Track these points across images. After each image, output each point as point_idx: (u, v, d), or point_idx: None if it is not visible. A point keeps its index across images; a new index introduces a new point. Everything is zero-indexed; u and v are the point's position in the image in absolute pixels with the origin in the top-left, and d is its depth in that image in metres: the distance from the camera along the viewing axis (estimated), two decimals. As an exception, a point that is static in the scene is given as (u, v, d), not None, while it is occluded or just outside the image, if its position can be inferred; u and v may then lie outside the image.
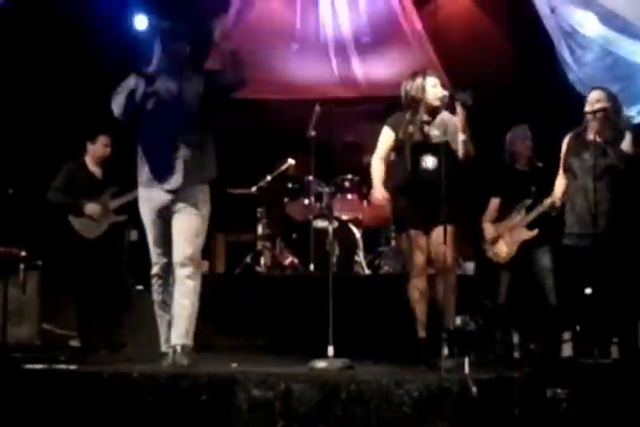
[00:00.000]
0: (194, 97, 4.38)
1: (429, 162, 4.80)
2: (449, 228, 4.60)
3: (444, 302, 4.66)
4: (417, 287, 4.83)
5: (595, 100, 4.83)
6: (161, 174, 4.35)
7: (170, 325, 4.38)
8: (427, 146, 4.83)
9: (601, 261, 4.68)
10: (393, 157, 5.00)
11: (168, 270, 4.43)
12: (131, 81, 4.34)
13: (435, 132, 4.84)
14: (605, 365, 4.47)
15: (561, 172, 5.05)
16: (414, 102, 4.86)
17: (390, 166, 5.01)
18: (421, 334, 4.85)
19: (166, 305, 4.44)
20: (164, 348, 4.42)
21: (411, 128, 4.84)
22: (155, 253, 4.46)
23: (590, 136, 4.83)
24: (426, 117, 4.86)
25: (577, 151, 4.89)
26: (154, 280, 4.48)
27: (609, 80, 6.16)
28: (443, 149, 4.64)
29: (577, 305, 4.77)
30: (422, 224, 4.83)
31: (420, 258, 4.84)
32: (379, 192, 4.91)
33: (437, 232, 4.69)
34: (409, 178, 4.83)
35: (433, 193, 4.56)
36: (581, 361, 4.58)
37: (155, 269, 4.47)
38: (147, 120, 4.38)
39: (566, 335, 4.90)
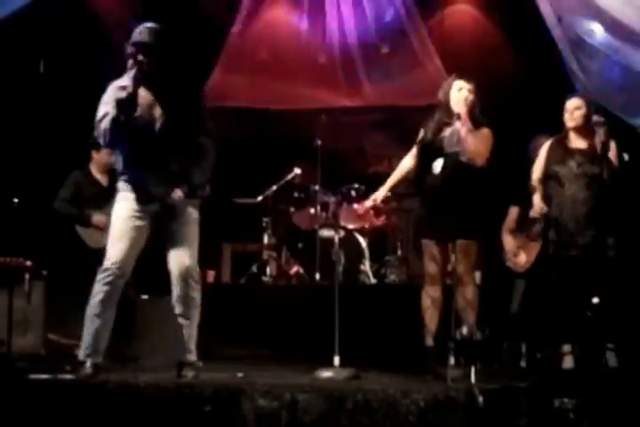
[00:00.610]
0: (179, 110, 4.26)
1: (437, 166, 4.74)
2: (469, 242, 4.62)
3: (461, 314, 4.65)
4: (428, 295, 4.80)
5: (573, 108, 4.83)
6: (153, 189, 4.26)
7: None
8: (436, 150, 4.78)
9: (589, 270, 4.66)
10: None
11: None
12: (110, 110, 4.16)
13: (454, 140, 4.75)
14: (613, 374, 4.44)
15: (537, 176, 4.99)
16: (442, 106, 4.82)
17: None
18: (429, 342, 4.81)
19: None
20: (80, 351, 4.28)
21: (432, 129, 4.80)
22: (119, 255, 4.26)
23: (574, 144, 4.82)
24: (447, 121, 4.79)
25: (561, 159, 4.86)
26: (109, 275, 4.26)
27: (615, 90, 6.17)
28: (451, 158, 4.62)
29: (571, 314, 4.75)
30: (437, 235, 4.76)
31: (431, 267, 4.80)
32: (374, 196, 4.97)
33: (455, 244, 4.66)
34: (421, 182, 4.82)
35: (442, 199, 4.53)
36: (589, 371, 4.56)
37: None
38: (133, 139, 4.24)
39: (566, 348, 4.87)
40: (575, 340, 4.74)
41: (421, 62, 7.91)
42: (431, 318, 4.79)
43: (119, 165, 4.35)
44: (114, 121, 4.13)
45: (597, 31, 6.18)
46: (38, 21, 6.61)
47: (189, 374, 4.28)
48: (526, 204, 5.51)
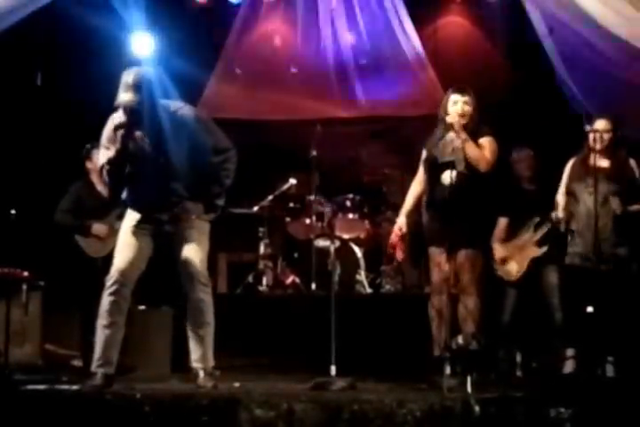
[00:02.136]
0: (175, 147, 4.28)
1: (445, 178, 4.73)
2: (471, 251, 4.63)
3: (461, 323, 4.66)
4: (433, 305, 4.78)
5: (603, 130, 4.91)
6: (155, 212, 4.32)
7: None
8: (442, 163, 4.79)
9: (602, 283, 4.70)
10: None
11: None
12: (103, 168, 4.26)
13: (448, 150, 4.79)
14: (610, 383, 4.46)
15: (562, 191, 5.11)
16: (441, 119, 4.86)
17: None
18: (436, 352, 4.74)
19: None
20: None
21: (438, 145, 4.82)
22: (124, 263, 4.30)
23: (595, 162, 4.88)
24: (453, 135, 4.79)
25: (580, 176, 4.94)
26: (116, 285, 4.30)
27: (605, 99, 6.21)
28: (454, 167, 4.66)
29: (578, 323, 4.78)
30: (441, 242, 4.72)
31: (436, 276, 4.77)
32: (398, 225, 4.93)
33: (457, 255, 4.68)
34: (429, 194, 4.84)
35: (451, 210, 4.54)
36: (585, 380, 4.58)
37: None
38: (129, 168, 4.29)
39: (569, 352, 4.90)
40: (579, 346, 4.77)
41: (415, 73, 7.96)
42: (437, 327, 4.74)
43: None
44: (109, 175, 4.24)
45: (588, 42, 6.23)
46: (35, 34, 6.63)
47: (208, 384, 4.26)
48: (513, 213, 5.57)
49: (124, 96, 4.13)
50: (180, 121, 4.28)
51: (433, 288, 4.82)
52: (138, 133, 4.23)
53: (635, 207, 4.91)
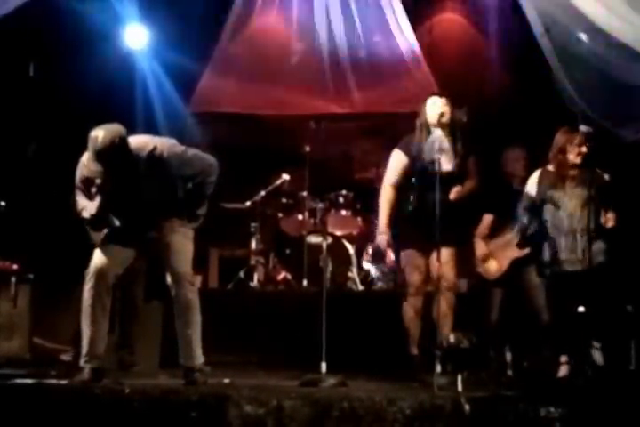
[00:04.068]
0: (152, 185, 4.29)
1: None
2: (450, 249, 4.70)
3: (443, 321, 4.71)
4: (413, 306, 4.87)
5: (581, 143, 4.88)
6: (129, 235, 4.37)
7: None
8: (429, 163, 4.80)
9: (590, 286, 4.71)
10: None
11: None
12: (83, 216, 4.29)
13: (434, 149, 4.76)
14: (599, 384, 4.46)
15: (524, 205, 5.03)
16: (420, 122, 4.94)
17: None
18: (414, 351, 4.90)
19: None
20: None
21: (422, 148, 4.85)
22: (102, 259, 4.33)
23: (558, 170, 4.88)
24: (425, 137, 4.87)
25: (555, 183, 4.91)
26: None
27: (602, 99, 6.20)
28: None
29: (569, 326, 4.78)
30: (421, 244, 4.84)
31: (416, 277, 4.88)
32: (384, 237, 4.97)
33: (445, 252, 4.74)
34: (417, 198, 4.87)
35: (433, 213, 4.58)
36: (575, 380, 4.58)
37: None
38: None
39: (563, 358, 4.89)
40: (569, 350, 4.77)
41: (410, 70, 7.95)
42: (416, 327, 4.89)
43: None
44: (90, 229, 4.31)
45: (584, 41, 6.22)
46: (28, 25, 6.58)
47: (197, 380, 4.28)
48: (499, 211, 5.57)
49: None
50: (156, 162, 4.27)
51: (412, 290, 4.90)
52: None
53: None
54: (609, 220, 4.74)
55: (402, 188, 5.03)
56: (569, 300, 4.76)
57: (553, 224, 4.89)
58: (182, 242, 4.40)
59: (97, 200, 4.23)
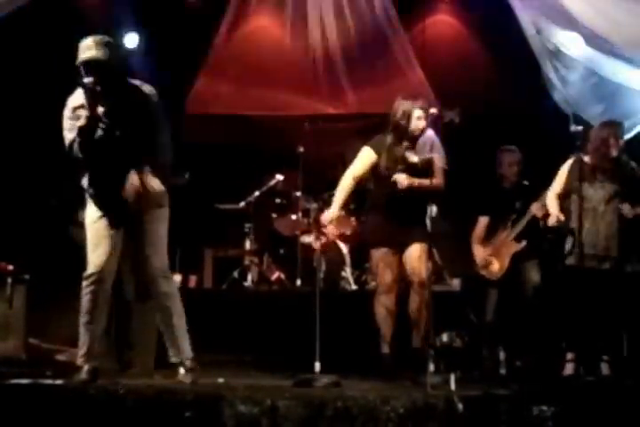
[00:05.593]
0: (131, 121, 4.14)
1: (399, 181, 4.84)
2: (423, 245, 4.69)
3: (417, 318, 4.76)
4: (384, 304, 4.92)
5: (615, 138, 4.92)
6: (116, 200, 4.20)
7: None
8: (404, 169, 4.90)
9: (607, 282, 4.73)
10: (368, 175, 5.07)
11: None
12: (74, 136, 4.13)
13: (413, 158, 4.92)
14: (593, 382, 4.49)
15: (557, 191, 5.09)
16: (399, 128, 4.94)
17: (366, 187, 5.10)
18: (385, 349, 4.96)
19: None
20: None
21: (396, 154, 4.92)
22: (100, 260, 4.24)
23: (597, 162, 4.91)
24: (407, 144, 4.96)
25: (583, 176, 4.92)
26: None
27: (592, 100, 6.25)
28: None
29: (573, 323, 4.80)
30: (393, 242, 4.89)
31: (388, 275, 4.92)
32: (330, 213, 5.04)
33: (411, 249, 4.82)
34: (385, 198, 4.89)
35: (406, 211, 4.66)
36: (568, 379, 4.60)
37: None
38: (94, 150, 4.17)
39: (569, 355, 4.91)
40: (578, 349, 4.79)
41: (403, 71, 7.97)
42: (388, 326, 4.93)
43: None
44: (82, 147, 4.11)
45: (574, 42, 6.27)
46: (25, 24, 6.59)
47: (187, 379, 4.26)
48: (494, 213, 5.59)
49: (89, 53, 4.01)
50: (144, 95, 4.19)
51: (383, 288, 4.93)
52: (100, 109, 4.10)
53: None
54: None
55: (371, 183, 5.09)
56: (582, 295, 4.77)
57: (577, 216, 4.92)
58: (158, 232, 4.26)
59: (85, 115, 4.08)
